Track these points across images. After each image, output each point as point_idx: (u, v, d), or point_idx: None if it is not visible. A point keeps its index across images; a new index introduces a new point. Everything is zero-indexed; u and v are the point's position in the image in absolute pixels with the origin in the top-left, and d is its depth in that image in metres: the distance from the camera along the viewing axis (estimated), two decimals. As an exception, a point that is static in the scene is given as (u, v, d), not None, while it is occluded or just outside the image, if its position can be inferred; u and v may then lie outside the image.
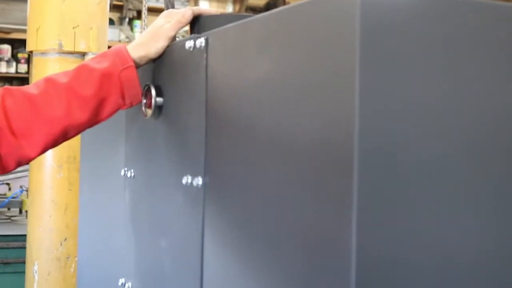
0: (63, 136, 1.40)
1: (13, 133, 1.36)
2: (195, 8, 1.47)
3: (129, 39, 7.87)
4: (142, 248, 1.53)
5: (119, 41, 7.76)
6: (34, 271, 2.84)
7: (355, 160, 0.82)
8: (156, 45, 1.41)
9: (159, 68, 1.45)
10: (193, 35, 1.29)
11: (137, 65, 1.41)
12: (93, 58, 1.43)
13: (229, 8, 8.61)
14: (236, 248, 1.14)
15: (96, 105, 1.38)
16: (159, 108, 1.42)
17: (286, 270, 0.99)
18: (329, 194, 0.88)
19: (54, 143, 1.41)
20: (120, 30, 7.88)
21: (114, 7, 7.66)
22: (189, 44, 1.28)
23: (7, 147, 1.36)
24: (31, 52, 2.94)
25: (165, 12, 1.47)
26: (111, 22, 7.78)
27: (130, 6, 7.96)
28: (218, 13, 1.45)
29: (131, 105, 1.41)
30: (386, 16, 0.86)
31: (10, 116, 1.36)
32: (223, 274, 1.18)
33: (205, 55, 1.24)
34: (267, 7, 8.78)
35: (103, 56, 1.42)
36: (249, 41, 1.10)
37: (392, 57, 0.86)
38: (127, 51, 1.40)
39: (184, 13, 1.45)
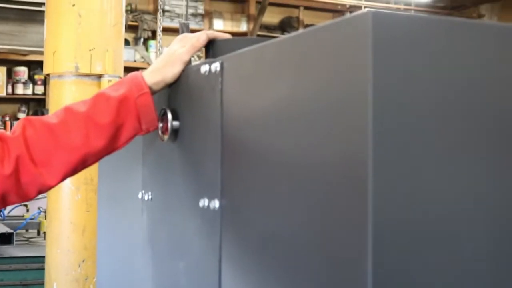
0: (82, 164, 1.43)
1: (33, 162, 1.39)
2: (210, 32, 1.48)
3: (144, 59, 7.93)
4: (160, 270, 1.54)
5: (135, 61, 7.82)
6: (53, 293, 2.86)
7: (369, 184, 0.83)
8: (172, 70, 1.43)
9: (175, 92, 1.47)
10: (208, 60, 1.31)
11: (153, 91, 1.42)
12: (110, 86, 1.45)
13: (243, 27, 8.67)
14: (254, 271, 1.15)
15: (113, 132, 1.40)
16: (175, 132, 1.43)
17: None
18: (345, 217, 0.88)
19: (73, 171, 1.44)
20: (135, 50, 7.94)
21: (129, 28, 7.72)
22: (204, 68, 1.30)
23: (28, 176, 1.39)
24: (48, 75, 2.97)
25: (179, 37, 1.49)
26: (126, 42, 7.84)
27: (145, 27, 8.02)
28: (232, 38, 1.47)
29: (148, 131, 1.43)
30: (397, 39, 0.87)
31: (30, 145, 1.39)
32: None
33: (220, 79, 1.25)
34: (281, 25, 8.83)
35: (119, 83, 1.43)
36: (264, 66, 1.12)
37: (405, 77, 0.87)
38: (142, 77, 1.42)
39: (198, 37, 1.46)
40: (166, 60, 1.44)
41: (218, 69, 1.26)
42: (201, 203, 1.30)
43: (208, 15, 8.52)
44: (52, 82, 2.95)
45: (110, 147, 1.42)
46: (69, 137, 1.40)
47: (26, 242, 4.58)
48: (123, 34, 3.04)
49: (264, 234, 1.11)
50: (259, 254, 1.13)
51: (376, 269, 0.83)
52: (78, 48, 2.83)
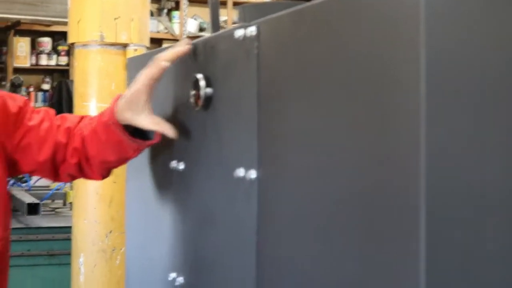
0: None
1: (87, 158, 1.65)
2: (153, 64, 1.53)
3: (168, 30, 7.87)
4: (193, 242, 1.50)
5: (158, 32, 7.77)
6: (80, 263, 2.84)
7: (421, 157, 0.79)
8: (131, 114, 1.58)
9: (207, 59, 1.42)
10: (242, 24, 1.26)
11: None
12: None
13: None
14: (292, 243, 1.10)
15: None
16: (208, 100, 1.39)
17: (344, 267, 0.96)
18: (394, 190, 0.84)
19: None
20: (159, 21, 7.88)
21: (152, -2, 7.69)
22: (238, 33, 1.25)
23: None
24: (72, 44, 2.93)
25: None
26: (150, 13, 7.77)
27: (168, -3, 7.96)
28: (266, 2, 1.43)
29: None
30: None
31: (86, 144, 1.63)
32: (279, 269, 1.15)
33: (256, 44, 1.20)
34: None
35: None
36: (304, 29, 1.06)
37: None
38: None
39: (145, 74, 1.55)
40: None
41: (254, 33, 1.20)
42: (236, 174, 1.25)
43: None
44: (76, 51, 2.91)
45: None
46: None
47: (52, 212, 4.58)
48: (148, 3, 2.99)
49: (304, 206, 1.06)
50: (298, 227, 1.08)
51: (429, 250, 0.79)
52: (103, 16, 2.79)
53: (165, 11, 8.06)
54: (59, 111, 1.81)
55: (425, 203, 0.79)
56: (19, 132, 1.65)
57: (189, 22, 7.47)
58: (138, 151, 1.62)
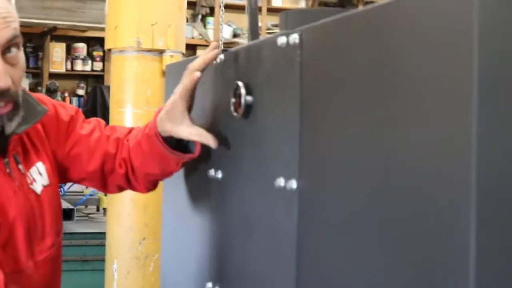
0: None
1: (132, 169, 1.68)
2: (190, 69, 1.54)
3: (202, 36, 7.88)
4: (231, 251, 1.48)
5: (192, 37, 7.78)
6: (114, 270, 2.84)
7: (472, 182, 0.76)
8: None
9: (248, 66, 1.40)
10: (285, 31, 1.24)
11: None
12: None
13: (302, 3, 8.55)
14: (333, 255, 1.08)
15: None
16: (248, 108, 1.37)
17: (385, 282, 0.93)
18: (443, 203, 0.81)
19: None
20: (193, 27, 7.89)
21: (187, 4, 7.69)
22: (281, 40, 1.23)
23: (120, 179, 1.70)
24: (109, 50, 2.93)
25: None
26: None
27: (203, 3, 7.97)
28: (308, 9, 1.40)
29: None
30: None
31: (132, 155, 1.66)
32: (318, 281, 1.12)
33: (299, 52, 1.18)
34: (341, 2, 8.68)
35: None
36: (349, 36, 1.04)
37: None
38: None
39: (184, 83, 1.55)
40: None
41: (297, 41, 1.18)
42: (277, 183, 1.23)
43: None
44: (113, 57, 2.90)
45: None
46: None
47: (86, 218, 4.60)
48: (185, 9, 2.98)
49: (346, 217, 1.04)
50: (340, 238, 1.06)
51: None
52: (140, 23, 2.78)
53: (200, 17, 8.07)
54: (93, 116, 1.82)
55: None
56: (70, 140, 1.67)
57: (223, 28, 7.48)
58: (180, 164, 1.62)
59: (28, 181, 1.51)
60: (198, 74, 1.50)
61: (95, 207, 4.76)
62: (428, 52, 0.85)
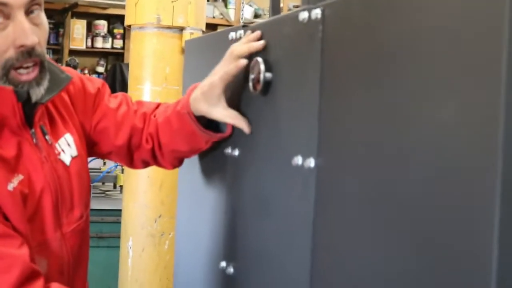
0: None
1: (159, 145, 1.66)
2: (238, 49, 1.47)
3: (223, 16, 7.84)
4: (245, 230, 1.46)
5: (213, 17, 7.74)
6: (129, 247, 2.83)
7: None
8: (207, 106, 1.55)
9: (268, 42, 1.37)
10: (307, 6, 1.21)
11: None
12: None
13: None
14: (350, 235, 1.05)
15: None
16: (267, 84, 1.34)
17: (399, 263, 0.90)
18: (471, 183, 0.78)
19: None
20: (214, 6, 7.85)
21: (209, -17, 7.66)
22: (303, 15, 1.20)
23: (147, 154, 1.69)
24: (129, 26, 2.91)
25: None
26: (206, -2, 7.75)
27: (224, -17, 7.92)
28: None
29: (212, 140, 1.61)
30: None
31: (160, 131, 1.65)
32: (334, 261, 1.10)
33: (321, 27, 1.15)
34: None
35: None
36: (375, 13, 1.00)
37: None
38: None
39: (235, 64, 1.48)
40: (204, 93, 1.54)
41: (319, 16, 1.15)
42: (294, 161, 1.21)
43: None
44: (133, 34, 2.88)
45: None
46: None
47: (103, 195, 4.60)
48: (205, -13, 2.95)
49: (364, 197, 1.01)
50: (358, 219, 1.03)
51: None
52: (160, -1, 2.76)
53: (221, -4, 8.02)
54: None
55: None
56: (98, 113, 1.66)
57: (245, 8, 7.43)
58: (209, 142, 1.60)
59: (57, 152, 1.50)
60: (245, 61, 1.45)
61: (112, 184, 4.76)
62: (456, 30, 0.82)
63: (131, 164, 1.74)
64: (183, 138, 1.61)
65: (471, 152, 0.78)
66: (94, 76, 7.87)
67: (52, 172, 1.47)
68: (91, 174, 4.76)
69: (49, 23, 5.84)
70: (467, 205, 0.78)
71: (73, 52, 7.69)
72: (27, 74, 1.39)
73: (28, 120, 1.45)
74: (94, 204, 4.14)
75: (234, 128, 1.52)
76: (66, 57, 7.61)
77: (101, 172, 4.62)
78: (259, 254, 1.38)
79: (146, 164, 1.75)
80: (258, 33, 1.43)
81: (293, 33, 1.26)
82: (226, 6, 8.01)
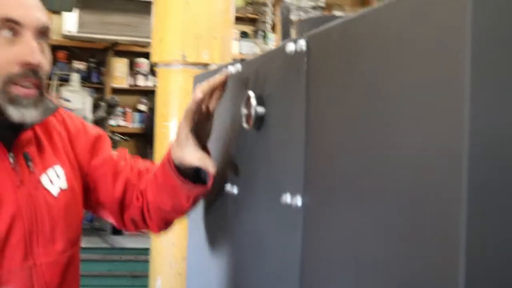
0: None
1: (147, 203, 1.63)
2: (200, 88, 1.46)
3: (262, 52, 7.86)
4: (242, 269, 1.41)
5: (254, 54, 7.76)
6: (157, 286, 2.80)
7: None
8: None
9: (259, 75, 1.33)
10: (293, 38, 1.16)
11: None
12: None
13: None
14: (338, 274, 1.00)
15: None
16: (260, 119, 1.30)
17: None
18: (439, 223, 0.73)
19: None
20: (254, 43, 7.88)
21: (249, 20, 7.70)
22: (289, 47, 1.15)
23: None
24: (155, 63, 2.90)
25: None
26: (246, 35, 7.82)
27: (264, 19, 7.94)
28: (316, 16, 1.34)
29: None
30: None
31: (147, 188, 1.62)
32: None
33: (305, 60, 1.10)
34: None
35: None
36: (352, 41, 0.96)
37: None
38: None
39: (193, 98, 1.46)
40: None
41: (304, 48, 1.11)
42: (283, 199, 1.16)
43: (328, 8, 8.34)
44: (159, 71, 2.87)
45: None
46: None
47: (137, 233, 4.58)
48: (232, 22, 2.92)
49: (352, 236, 0.96)
50: (345, 258, 0.98)
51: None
52: (184, 35, 2.74)
53: (261, 33, 8.04)
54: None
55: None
56: (99, 158, 1.64)
57: (285, 45, 7.44)
58: (190, 199, 1.56)
59: (43, 181, 1.47)
60: (200, 95, 1.43)
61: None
62: (424, 56, 0.77)
63: (122, 221, 1.70)
64: (167, 192, 1.57)
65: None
66: (136, 114, 7.92)
67: (27, 198, 1.43)
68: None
69: (91, 62, 5.84)
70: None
71: (115, 91, 7.75)
72: (27, 90, 1.38)
73: (8, 142, 1.43)
74: (128, 243, 4.14)
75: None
76: (108, 96, 7.67)
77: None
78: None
79: (135, 225, 1.70)
80: (226, 71, 1.45)
81: (282, 66, 1.21)
82: (265, 42, 8.03)
